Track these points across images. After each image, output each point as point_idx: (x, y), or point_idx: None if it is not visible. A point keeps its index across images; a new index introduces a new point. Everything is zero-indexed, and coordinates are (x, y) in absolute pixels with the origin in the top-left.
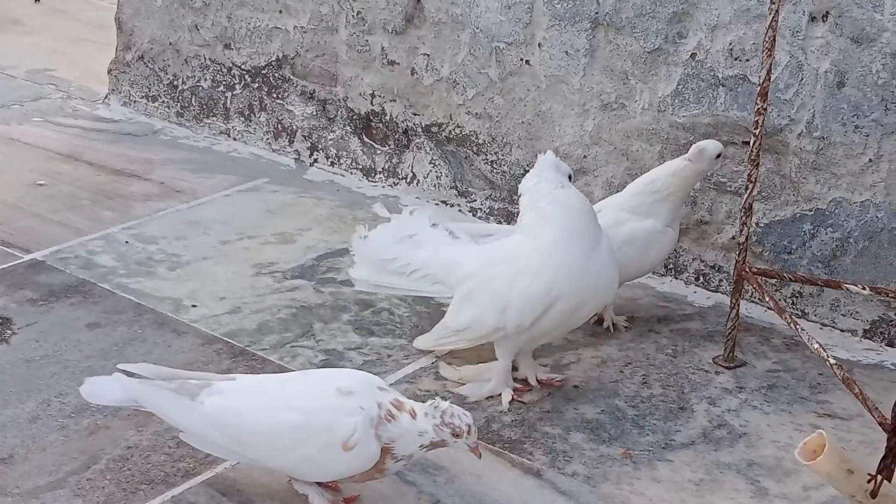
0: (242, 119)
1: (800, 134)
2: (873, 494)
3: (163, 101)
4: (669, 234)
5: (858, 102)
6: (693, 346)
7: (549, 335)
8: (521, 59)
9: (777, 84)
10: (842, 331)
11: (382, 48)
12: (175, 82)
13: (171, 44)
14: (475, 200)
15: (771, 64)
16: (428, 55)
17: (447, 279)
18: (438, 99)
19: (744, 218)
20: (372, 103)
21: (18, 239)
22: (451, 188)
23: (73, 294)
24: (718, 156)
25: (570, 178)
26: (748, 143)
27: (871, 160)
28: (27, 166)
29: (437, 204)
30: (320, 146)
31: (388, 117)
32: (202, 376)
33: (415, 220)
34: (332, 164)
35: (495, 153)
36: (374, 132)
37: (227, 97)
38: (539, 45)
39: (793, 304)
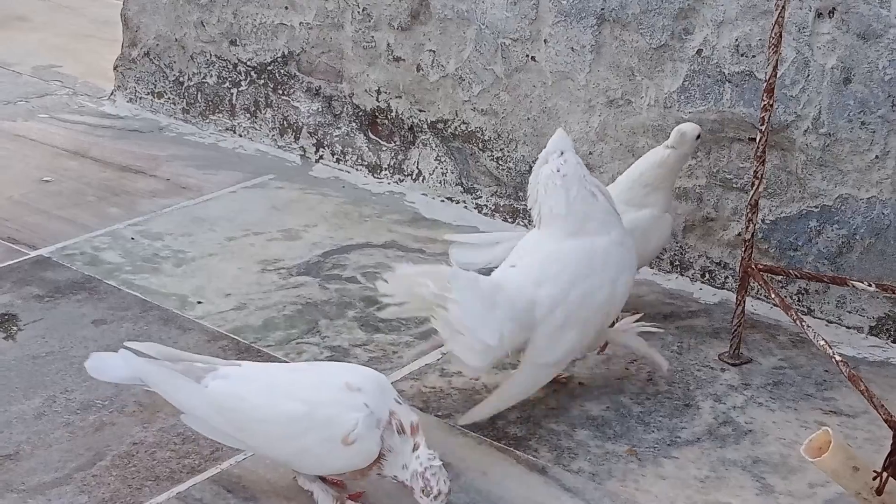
0: (248, 115)
1: (806, 130)
2: (879, 491)
3: (168, 98)
4: (667, 219)
5: (865, 99)
6: (699, 343)
7: None
8: (527, 56)
9: (783, 80)
10: (848, 328)
11: (388, 44)
12: (181, 79)
13: (176, 40)
14: (480, 197)
15: (777, 60)
16: (433, 51)
17: (530, 322)
18: (444, 95)
19: (750, 215)
20: (378, 100)
21: (24, 235)
22: (456, 185)
23: (78, 290)
24: (698, 137)
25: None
26: (754, 139)
27: (877, 156)
28: (33, 163)
29: (443, 201)
30: (326, 142)
31: (393, 114)
32: (208, 360)
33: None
34: (338, 160)
35: (501, 149)
36: (380, 129)
37: (232, 94)
38: (545, 41)
39: (799, 300)
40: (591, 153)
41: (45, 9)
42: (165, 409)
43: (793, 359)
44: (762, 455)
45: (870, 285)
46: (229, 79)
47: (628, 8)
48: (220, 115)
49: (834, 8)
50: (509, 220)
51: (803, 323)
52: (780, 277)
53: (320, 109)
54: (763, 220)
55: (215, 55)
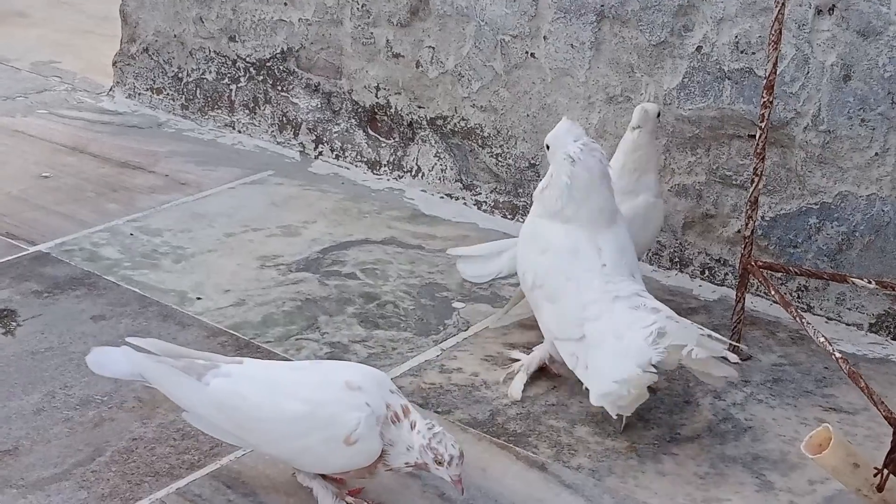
0: (247, 111)
1: (806, 127)
2: (880, 488)
3: (167, 94)
4: (660, 204)
5: (865, 96)
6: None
7: None
8: (527, 52)
9: (783, 77)
10: (847, 325)
11: (387, 41)
12: (180, 74)
13: (175, 36)
14: (480, 194)
15: (777, 57)
16: (433, 48)
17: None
18: (443, 92)
19: (749, 211)
20: (377, 96)
21: (23, 231)
22: (455, 181)
23: (77, 286)
24: (658, 115)
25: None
26: (754, 136)
27: (877, 154)
28: (32, 158)
29: (442, 197)
30: (325, 139)
31: (392, 110)
32: (210, 357)
33: None
34: (337, 156)
35: (500, 146)
36: (379, 125)
37: (231, 90)
38: (544, 37)
39: (798, 297)
40: None
41: (44, 4)
42: (165, 405)
43: (792, 356)
44: (762, 452)
45: (869, 282)
46: (228, 75)
47: (628, 4)
48: (219, 111)
49: (834, 5)
50: (509, 216)
51: (803, 320)
52: (779, 274)
53: (319, 106)
54: (763, 217)
55: (214, 51)
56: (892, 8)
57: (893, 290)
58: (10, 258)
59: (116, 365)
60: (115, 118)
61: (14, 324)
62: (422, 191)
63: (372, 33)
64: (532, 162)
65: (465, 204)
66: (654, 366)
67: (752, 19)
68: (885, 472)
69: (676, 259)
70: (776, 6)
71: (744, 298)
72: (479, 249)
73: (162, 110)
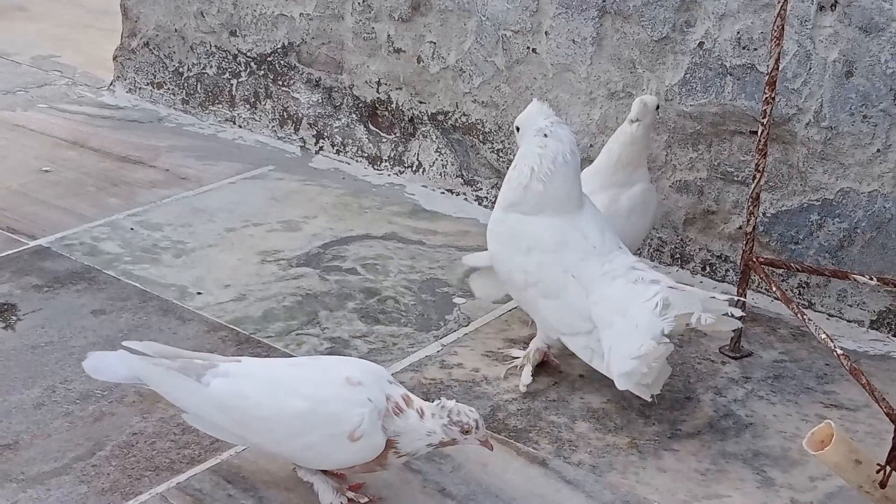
0: (248, 106)
1: (808, 124)
2: (883, 485)
3: (168, 88)
4: (653, 188)
5: (867, 92)
6: (699, 336)
7: None
8: (528, 48)
9: (785, 73)
10: (849, 321)
11: (388, 36)
12: (180, 69)
13: (176, 30)
14: (481, 189)
15: (779, 53)
16: (434, 43)
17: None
18: (445, 87)
19: (751, 208)
20: (378, 91)
21: (23, 225)
22: (456, 177)
23: (78, 280)
24: (657, 107)
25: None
26: (755, 132)
27: (879, 150)
28: (32, 153)
29: (443, 193)
30: (326, 134)
31: (394, 105)
32: (206, 357)
33: None
34: (338, 151)
35: (501, 142)
36: (380, 120)
37: (232, 84)
38: (546, 33)
39: (800, 294)
40: (591, 145)
41: None
42: (165, 400)
43: (793, 352)
44: (763, 448)
45: (871, 279)
46: (229, 69)
47: (629, 0)
48: (220, 105)
49: (836, 1)
50: None
51: (804, 316)
52: (781, 271)
53: (320, 101)
54: (764, 214)
55: (215, 46)
56: (894, 4)
57: (895, 286)
58: (10, 252)
59: (113, 370)
60: (115, 113)
61: (14, 318)
62: (423, 186)
63: (373, 28)
64: None
65: (465, 199)
66: (665, 336)
67: (755, 15)
68: (888, 468)
69: (678, 255)
70: (778, 2)
71: (745, 295)
72: (488, 258)
73: (162, 105)
